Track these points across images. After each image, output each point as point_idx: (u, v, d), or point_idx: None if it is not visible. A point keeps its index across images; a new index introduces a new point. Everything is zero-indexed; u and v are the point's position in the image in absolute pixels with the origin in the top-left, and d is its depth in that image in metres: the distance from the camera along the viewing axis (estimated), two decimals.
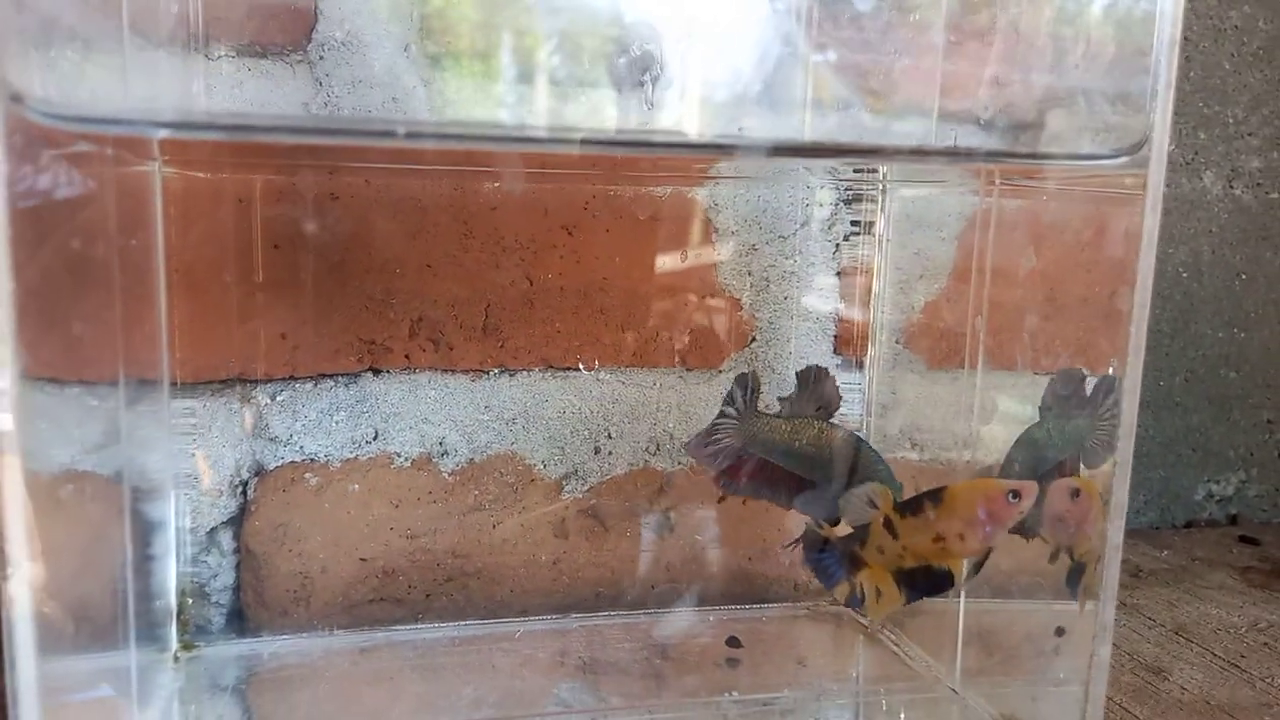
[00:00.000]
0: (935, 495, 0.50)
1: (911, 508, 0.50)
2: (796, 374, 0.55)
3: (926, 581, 0.51)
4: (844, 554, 0.52)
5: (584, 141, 0.37)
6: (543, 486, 0.64)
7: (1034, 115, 0.50)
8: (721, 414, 0.53)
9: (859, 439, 0.54)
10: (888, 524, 0.50)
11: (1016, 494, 0.48)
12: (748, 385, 0.53)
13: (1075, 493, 0.48)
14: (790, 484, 0.54)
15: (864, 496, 0.51)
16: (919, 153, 0.46)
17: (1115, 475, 0.42)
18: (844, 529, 0.53)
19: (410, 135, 0.31)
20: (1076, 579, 0.48)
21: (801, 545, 0.54)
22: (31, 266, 0.30)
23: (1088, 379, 0.49)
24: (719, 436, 0.54)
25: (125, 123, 0.34)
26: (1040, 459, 0.51)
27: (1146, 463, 0.92)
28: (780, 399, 0.54)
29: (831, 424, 0.53)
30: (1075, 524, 0.48)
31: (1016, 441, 0.52)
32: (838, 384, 0.53)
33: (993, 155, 0.46)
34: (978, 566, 0.53)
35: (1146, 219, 0.38)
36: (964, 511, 0.49)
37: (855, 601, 0.53)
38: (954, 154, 0.47)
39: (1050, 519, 0.49)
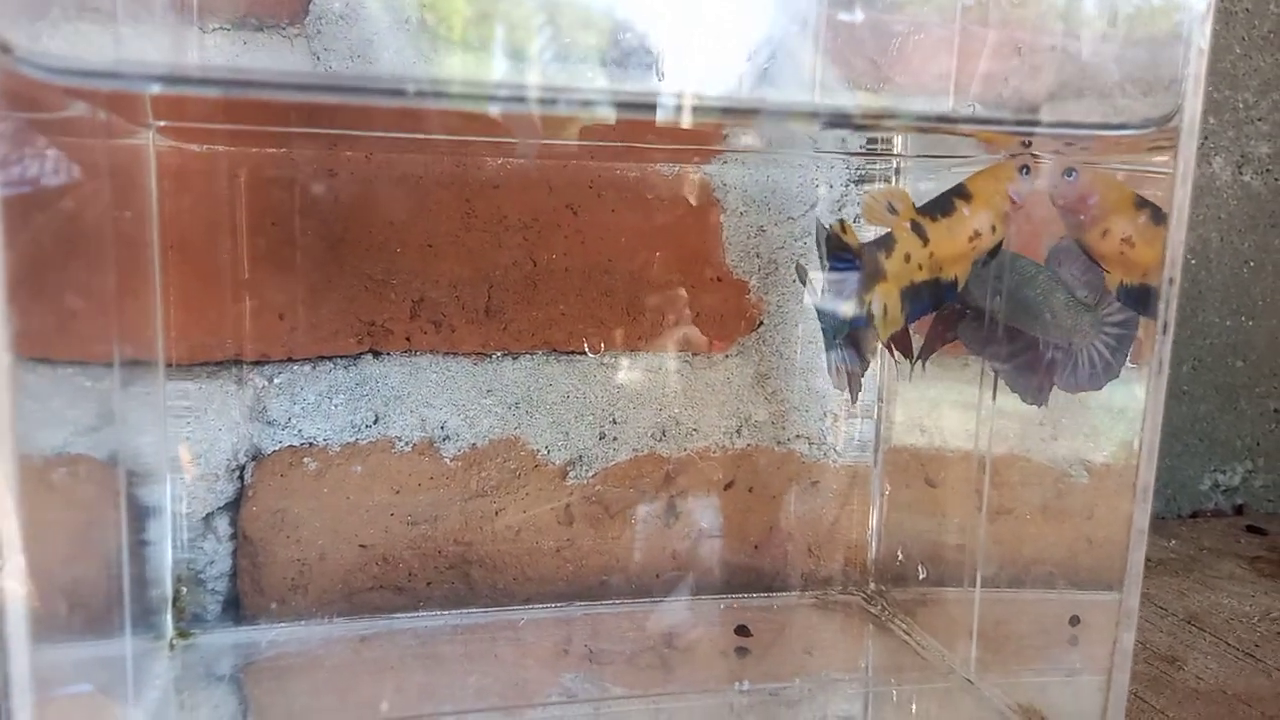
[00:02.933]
0: (960, 191, 0.47)
1: (941, 208, 0.47)
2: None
3: (931, 295, 0.48)
4: (867, 263, 0.47)
5: (629, 105, 0.36)
6: (546, 472, 0.62)
7: (1055, 92, 0.49)
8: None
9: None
10: (916, 228, 0.47)
11: (1027, 168, 0.47)
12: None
13: (1069, 171, 0.46)
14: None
15: (883, 200, 0.47)
16: (944, 120, 0.45)
17: (1141, 460, 0.40)
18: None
19: (420, 94, 0.30)
20: (1133, 299, 0.45)
21: (825, 249, 0.49)
22: (23, 235, 0.29)
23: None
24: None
25: (117, 76, 0.32)
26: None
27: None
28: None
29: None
30: (1085, 204, 0.46)
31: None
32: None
33: (1021, 124, 0.45)
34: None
35: (1177, 192, 0.37)
36: (994, 199, 0.47)
37: (861, 321, 0.48)
38: (979, 121, 0.46)
39: (1065, 213, 0.47)
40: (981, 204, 0.46)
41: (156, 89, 0.31)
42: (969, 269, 0.48)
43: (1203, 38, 0.37)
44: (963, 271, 0.48)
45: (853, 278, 0.48)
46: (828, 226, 0.49)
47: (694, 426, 0.64)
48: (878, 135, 0.54)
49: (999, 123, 0.46)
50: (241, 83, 0.34)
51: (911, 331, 0.51)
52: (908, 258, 0.47)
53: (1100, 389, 0.49)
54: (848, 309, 0.49)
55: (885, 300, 0.48)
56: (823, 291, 0.49)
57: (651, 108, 0.33)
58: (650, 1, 0.56)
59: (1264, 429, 0.95)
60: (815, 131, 0.48)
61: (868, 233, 0.49)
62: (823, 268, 0.49)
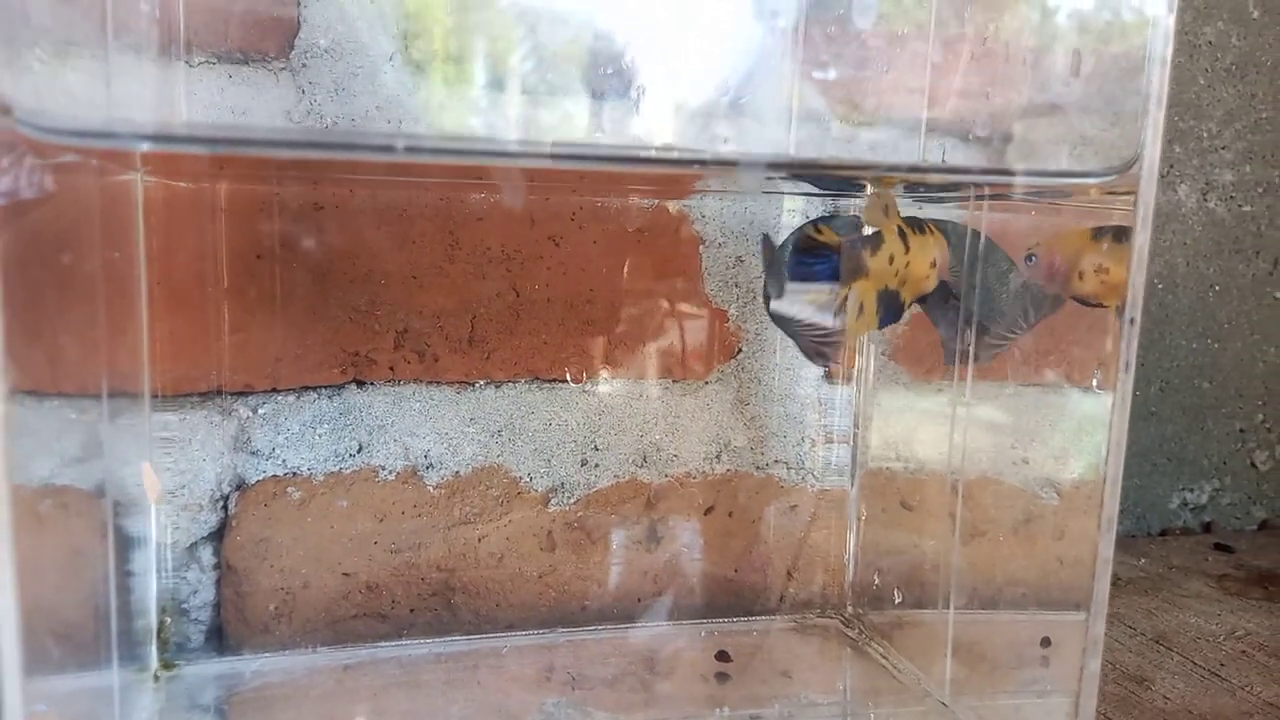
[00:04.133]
0: (928, 221, 0.49)
1: (919, 226, 0.49)
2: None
3: (893, 309, 0.50)
4: (848, 259, 0.48)
5: (582, 157, 0.37)
6: (529, 499, 0.63)
7: (1024, 131, 0.50)
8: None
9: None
10: (902, 234, 0.48)
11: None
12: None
13: (1029, 257, 0.49)
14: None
15: (883, 202, 0.49)
16: (915, 170, 0.46)
17: (1105, 489, 0.42)
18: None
19: (410, 150, 0.31)
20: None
21: (791, 249, 0.50)
22: (18, 279, 0.30)
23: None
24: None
25: (110, 136, 0.33)
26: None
27: (1122, 472, 0.93)
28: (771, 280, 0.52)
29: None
30: (1056, 270, 0.48)
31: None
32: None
33: (987, 173, 0.47)
34: None
35: (1138, 236, 0.38)
36: (943, 246, 0.49)
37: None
38: (949, 171, 0.47)
39: (1046, 285, 0.49)
40: (937, 241, 0.48)
41: (146, 147, 0.32)
42: (911, 298, 0.49)
43: (1161, 87, 0.39)
44: (911, 296, 0.49)
45: (827, 272, 0.49)
46: (816, 230, 0.50)
47: (674, 453, 0.65)
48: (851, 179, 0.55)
49: (966, 171, 0.48)
50: (230, 140, 0.34)
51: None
52: (891, 259, 0.49)
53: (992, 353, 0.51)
54: (823, 306, 0.49)
55: (863, 298, 0.49)
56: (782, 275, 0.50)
57: (625, 160, 0.34)
58: (629, 37, 0.57)
59: (1230, 448, 0.97)
60: (784, 178, 0.49)
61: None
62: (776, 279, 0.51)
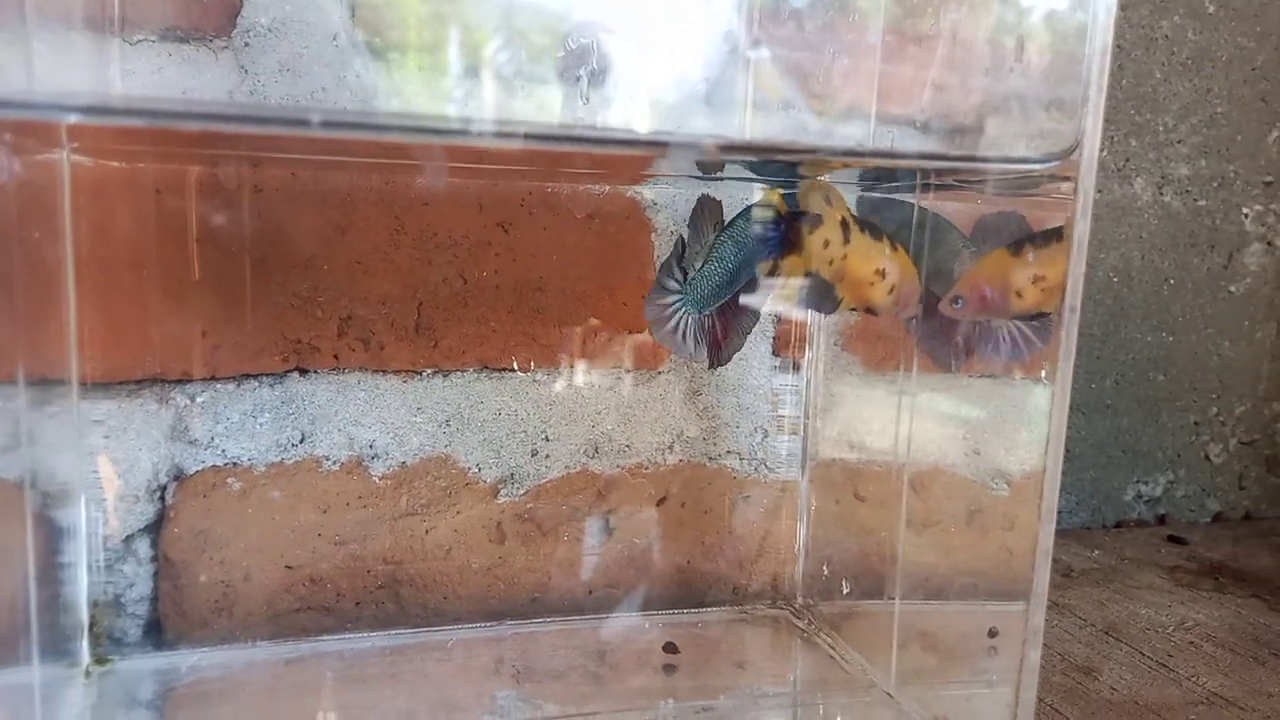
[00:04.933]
0: (892, 237, 0.49)
1: (872, 229, 0.48)
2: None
3: (818, 299, 0.49)
4: (790, 230, 0.48)
5: (508, 136, 0.36)
6: (478, 490, 0.62)
7: (971, 120, 0.50)
8: (663, 288, 0.50)
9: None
10: (844, 225, 0.47)
11: (959, 299, 0.48)
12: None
13: (955, 300, 0.48)
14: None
15: (821, 191, 0.48)
16: (851, 154, 0.46)
17: (1045, 480, 0.42)
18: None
19: (326, 125, 0.30)
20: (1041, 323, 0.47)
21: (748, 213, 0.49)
22: None
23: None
24: (672, 316, 0.50)
25: (32, 106, 0.32)
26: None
27: (1078, 464, 0.94)
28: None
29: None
30: (989, 303, 0.48)
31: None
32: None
33: (925, 158, 0.46)
34: None
35: (1077, 225, 0.38)
36: (909, 272, 0.48)
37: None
38: (887, 155, 0.47)
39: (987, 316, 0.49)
40: (900, 263, 0.47)
41: (73, 119, 0.31)
42: (852, 301, 0.49)
43: (1101, 75, 0.39)
44: (852, 299, 0.48)
45: (777, 239, 0.48)
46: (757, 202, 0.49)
47: (626, 443, 0.65)
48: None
49: (903, 156, 0.47)
50: (154, 112, 0.33)
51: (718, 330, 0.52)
52: (826, 244, 0.47)
53: (1023, 361, 0.50)
54: (764, 268, 0.49)
55: (789, 274, 0.48)
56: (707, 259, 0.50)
57: (565, 139, 0.34)
58: (578, 23, 0.56)
59: (1184, 440, 0.98)
60: (730, 159, 0.48)
61: None
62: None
